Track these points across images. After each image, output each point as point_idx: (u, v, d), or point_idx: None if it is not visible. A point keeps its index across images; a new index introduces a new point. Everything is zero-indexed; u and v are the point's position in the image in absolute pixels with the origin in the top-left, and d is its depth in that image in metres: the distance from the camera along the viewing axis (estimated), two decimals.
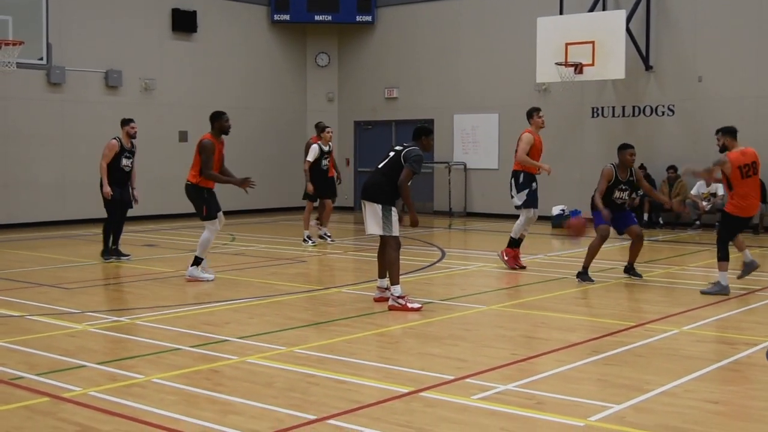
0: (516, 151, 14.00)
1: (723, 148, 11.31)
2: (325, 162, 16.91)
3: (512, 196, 13.90)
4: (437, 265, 14.08)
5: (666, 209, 19.90)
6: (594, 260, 12.46)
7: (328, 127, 17.12)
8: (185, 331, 8.92)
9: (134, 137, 14.63)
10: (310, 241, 16.70)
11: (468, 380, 7.04)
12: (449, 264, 14.23)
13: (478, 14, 23.61)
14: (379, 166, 10.74)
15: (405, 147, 10.58)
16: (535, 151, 13.80)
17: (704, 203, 19.15)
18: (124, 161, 14.39)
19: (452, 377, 7.10)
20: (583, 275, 12.25)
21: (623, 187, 12.40)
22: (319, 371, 7.30)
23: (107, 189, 14.18)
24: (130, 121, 14.71)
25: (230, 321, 9.47)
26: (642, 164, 19.58)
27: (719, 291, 10.94)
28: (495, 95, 23.27)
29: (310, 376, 7.18)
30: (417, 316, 9.77)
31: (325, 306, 10.50)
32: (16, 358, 7.84)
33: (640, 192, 16.32)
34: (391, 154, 10.63)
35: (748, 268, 11.63)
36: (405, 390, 6.73)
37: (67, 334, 8.82)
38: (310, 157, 16.74)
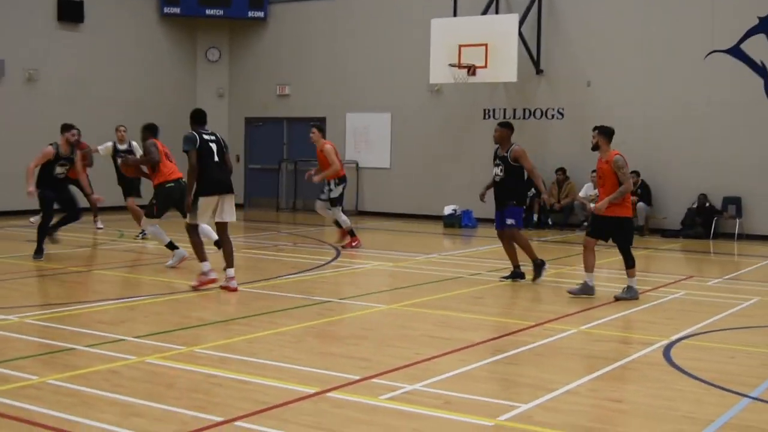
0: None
1: (595, 147, 11.24)
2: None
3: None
4: (332, 263, 14.00)
5: (555, 210, 20.27)
6: (489, 260, 12.56)
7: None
8: (79, 330, 8.63)
9: (76, 145, 14.05)
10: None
11: (374, 380, 6.99)
12: (344, 263, 14.17)
13: (371, 13, 23.62)
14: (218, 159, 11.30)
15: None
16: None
17: (592, 205, 19.51)
18: (58, 169, 13.77)
19: (358, 377, 7.03)
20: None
21: (497, 162, 12.35)
22: (222, 371, 7.14)
23: (30, 189, 13.61)
24: (71, 127, 14.12)
25: (125, 320, 9.21)
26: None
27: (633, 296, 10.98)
28: (388, 95, 23.32)
29: (212, 377, 7.01)
30: (316, 315, 9.67)
31: (222, 304, 10.32)
32: None
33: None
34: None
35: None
36: (311, 390, 6.63)
37: None
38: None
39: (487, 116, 21.97)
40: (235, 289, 11.02)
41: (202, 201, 11.14)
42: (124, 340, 8.21)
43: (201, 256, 11.33)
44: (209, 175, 11.19)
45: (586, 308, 10.36)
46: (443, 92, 22.24)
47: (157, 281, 11.83)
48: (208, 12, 24.88)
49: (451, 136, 22.20)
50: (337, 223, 16.09)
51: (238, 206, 24.77)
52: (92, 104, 23.04)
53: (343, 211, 16.03)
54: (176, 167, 13.74)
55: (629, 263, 11.03)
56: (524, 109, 21.60)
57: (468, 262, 14.38)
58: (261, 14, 25.12)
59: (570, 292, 11.10)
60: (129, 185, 16.60)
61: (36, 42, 22.10)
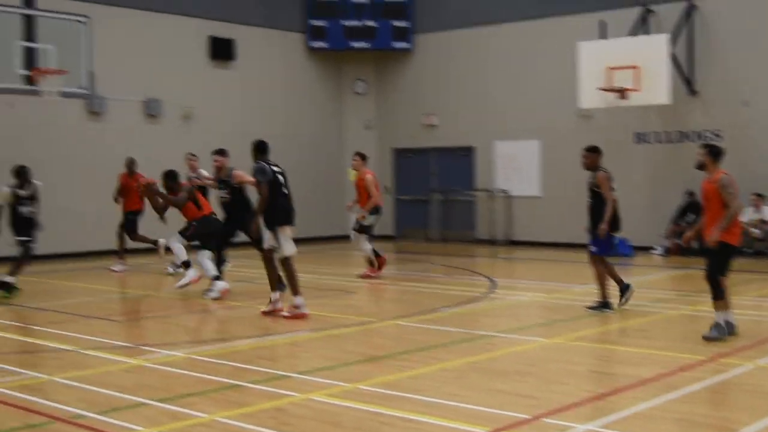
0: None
1: (701, 166, 10.20)
2: None
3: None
4: (489, 295, 13.81)
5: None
6: (650, 290, 12.15)
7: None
8: (243, 365, 8.71)
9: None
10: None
11: (545, 419, 6.78)
12: (501, 294, 13.95)
13: (517, 40, 23.41)
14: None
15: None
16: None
17: (755, 230, 18.75)
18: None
19: (528, 416, 6.84)
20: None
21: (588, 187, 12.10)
22: (387, 409, 7.06)
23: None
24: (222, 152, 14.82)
25: (287, 355, 9.27)
26: (690, 190, 19.36)
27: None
28: (536, 121, 23.02)
29: (378, 415, 6.94)
30: (478, 349, 9.52)
31: (382, 339, 10.27)
32: (75, 395, 7.65)
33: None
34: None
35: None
36: (481, 430, 6.47)
37: (123, 370, 8.65)
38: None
39: (639, 140, 21.42)
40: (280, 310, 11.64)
41: (284, 230, 11.70)
42: (288, 376, 8.23)
43: (294, 289, 11.59)
44: (282, 205, 11.76)
45: (760, 341, 9.86)
46: (593, 117, 21.81)
47: (315, 315, 11.87)
48: (353, 45, 25.15)
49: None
50: (375, 252, 16.20)
51: (389, 237, 25.23)
52: (244, 138, 23.44)
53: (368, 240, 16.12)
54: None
55: (716, 294, 9.89)
56: (679, 132, 20.96)
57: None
58: (406, 45, 25.24)
59: (706, 338, 9.88)
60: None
61: (190, 81, 22.79)
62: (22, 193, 13.79)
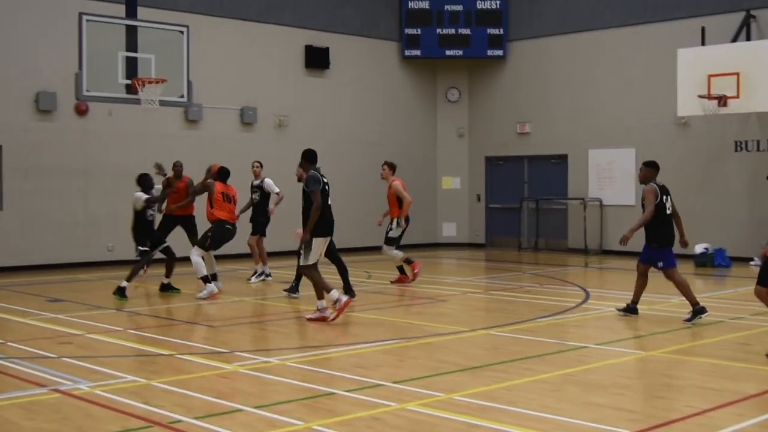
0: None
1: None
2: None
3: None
4: (582, 306, 13.58)
5: None
6: (748, 303, 11.79)
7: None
8: (337, 373, 8.69)
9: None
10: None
11: None
12: (594, 305, 13.71)
13: (612, 46, 23.07)
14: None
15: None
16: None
17: None
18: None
19: (627, 431, 6.66)
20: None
21: None
22: (484, 421, 6.95)
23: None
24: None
25: (381, 364, 9.21)
26: None
27: None
28: (632, 129, 22.63)
29: (474, 426, 6.83)
30: (573, 361, 9.34)
31: (476, 349, 10.15)
32: (172, 399, 7.72)
33: None
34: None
35: None
36: None
37: (219, 375, 8.70)
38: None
39: (738, 149, 20.88)
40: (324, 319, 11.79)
41: (318, 241, 11.82)
42: (382, 385, 8.18)
43: (320, 294, 11.93)
44: (325, 216, 11.86)
45: None
46: (690, 125, 21.35)
47: (407, 324, 11.83)
48: (447, 53, 25.10)
49: (699, 171, 21.23)
50: (400, 268, 16.36)
51: (479, 246, 25.06)
52: (336, 146, 23.70)
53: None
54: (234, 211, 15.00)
55: None
56: None
57: (727, 305, 13.59)
58: (500, 52, 25.07)
59: None
60: (257, 224, 16.88)
61: (286, 89, 23.01)
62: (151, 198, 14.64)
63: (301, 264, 12.27)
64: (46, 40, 19.24)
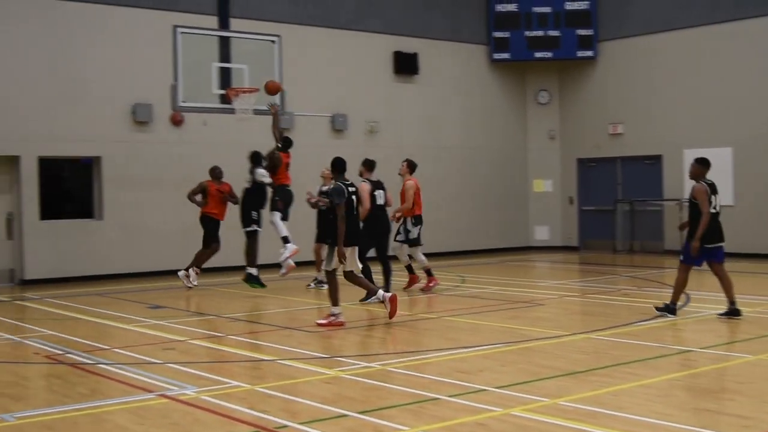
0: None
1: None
2: None
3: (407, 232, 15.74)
4: (683, 309, 13.28)
5: None
6: None
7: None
8: (439, 378, 8.64)
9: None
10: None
11: None
12: (695, 308, 13.41)
13: (706, 44, 22.58)
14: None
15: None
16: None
17: None
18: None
19: None
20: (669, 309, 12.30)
21: None
22: (593, 426, 6.83)
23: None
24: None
25: (483, 369, 9.13)
26: None
27: None
28: (728, 128, 22.12)
29: None
30: (679, 366, 9.14)
31: (577, 353, 10.00)
32: (277, 404, 7.76)
33: None
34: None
35: None
36: None
37: (322, 380, 8.73)
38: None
39: None
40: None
41: (347, 250, 11.96)
42: (485, 390, 8.10)
43: (334, 301, 12.06)
44: (350, 225, 11.98)
45: None
46: None
47: (506, 328, 11.73)
48: (537, 55, 24.89)
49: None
50: (409, 268, 15.85)
51: (573, 248, 24.78)
52: (426, 152, 23.70)
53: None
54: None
55: None
56: None
57: None
58: (590, 53, 24.76)
59: None
60: (323, 231, 16.84)
61: (375, 95, 23.09)
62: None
63: (323, 268, 12.43)
64: (143, 54, 19.61)
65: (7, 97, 18.28)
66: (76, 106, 19.02)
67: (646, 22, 23.86)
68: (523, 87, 26.03)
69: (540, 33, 24.76)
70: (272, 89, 15.69)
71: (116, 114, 19.49)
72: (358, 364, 9.47)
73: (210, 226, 17.00)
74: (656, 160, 23.64)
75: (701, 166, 12.34)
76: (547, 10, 24.72)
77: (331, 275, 12.16)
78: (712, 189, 12.17)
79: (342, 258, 11.91)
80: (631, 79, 24.20)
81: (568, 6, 24.70)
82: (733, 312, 12.11)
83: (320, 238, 16.35)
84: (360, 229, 12.48)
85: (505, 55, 25.09)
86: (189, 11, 19.87)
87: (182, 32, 16.64)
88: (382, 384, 8.51)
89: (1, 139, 18.21)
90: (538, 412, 7.28)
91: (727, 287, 12.19)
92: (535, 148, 25.97)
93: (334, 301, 12.11)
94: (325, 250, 16.66)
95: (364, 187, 14.62)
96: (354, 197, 12.23)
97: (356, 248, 12.20)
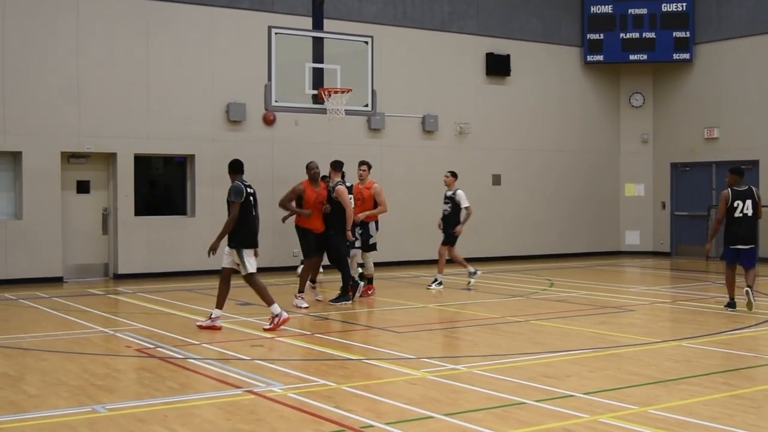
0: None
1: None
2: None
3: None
4: None
5: None
6: None
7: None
8: (525, 383, 8.54)
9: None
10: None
11: None
12: None
13: None
14: None
15: None
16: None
17: None
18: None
19: None
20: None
21: None
22: None
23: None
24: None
25: (570, 374, 9.00)
26: None
27: None
28: None
29: None
30: None
31: (667, 361, 9.79)
32: (362, 404, 7.77)
33: None
34: None
35: None
36: None
37: (407, 381, 8.71)
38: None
39: None
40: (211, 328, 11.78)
41: (247, 252, 11.91)
42: (573, 395, 7.98)
43: (269, 302, 11.90)
44: (249, 227, 11.96)
45: None
46: None
47: (594, 333, 11.55)
48: (631, 57, 24.49)
49: None
50: (361, 276, 15.41)
51: (665, 254, 24.31)
52: (517, 154, 23.57)
53: None
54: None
55: None
56: None
57: None
58: (687, 56, 24.26)
59: None
60: (447, 235, 16.81)
61: (466, 97, 22.99)
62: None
63: (242, 273, 12.03)
64: (238, 54, 19.88)
65: (105, 95, 18.68)
66: (172, 105, 19.36)
67: (744, 24, 23.28)
68: (617, 90, 25.63)
69: (635, 35, 24.36)
70: None
71: (210, 113, 19.79)
72: (445, 366, 9.42)
73: (307, 238, 14.45)
74: (753, 165, 23.03)
75: (733, 174, 13.72)
76: (643, 11, 24.31)
77: (249, 278, 12.00)
78: (741, 194, 13.53)
79: (212, 251, 11.87)
80: (728, 82, 23.64)
81: (665, 7, 24.25)
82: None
83: (446, 242, 16.69)
84: (256, 233, 12.28)
85: (599, 58, 24.75)
86: (284, 12, 20.11)
87: (277, 33, 16.73)
88: (468, 386, 8.45)
89: (98, 137, 18.61)
90: (626, 420, 7.13)
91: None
92: (627, 151, 25.56)
93: (269, 302, 11.93)
94: (452, 252, 16.76)
95: (342, 190, 14.38)
96: (252, 198, 12.25)
97: (254, 251, 12.08)
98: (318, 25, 17.59)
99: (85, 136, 18.51)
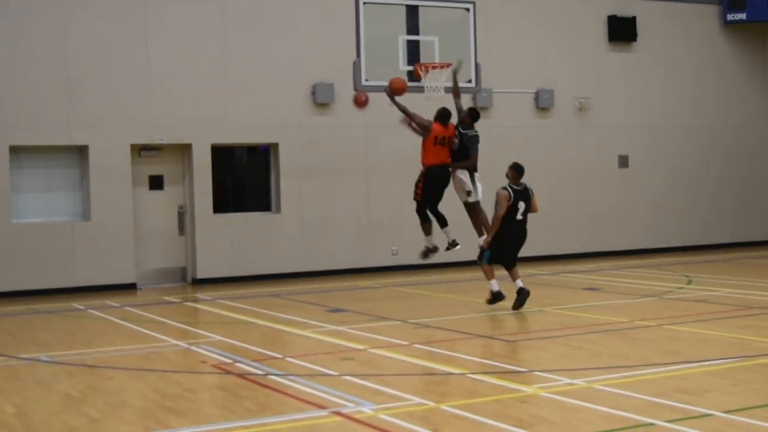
0: None
1: None
2: None
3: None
4: None
5: None
6: None
7: None
8: (655, 399, 8.28)
9: None
10: None
11: None
12: None
13: None
14: None
15: None
16: None
17: None
18: None
19: None
20: None
21: None
22: None
23: None
24: None
25: (709, 389, 8.70)
26: None
27: None
28: None
29: None
30: None
31: None
32: (464, 427, 7.65)
33: None
34: None
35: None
36: None
37: (517, 399, 8.54)
38: None
39: None
40: None
41: None
42: (712, 414, 7.70)
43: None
44: None
45: None
46: None
47: (739, 339, 11.20)
48: None
49: None
50: None
51: None
52: (649, 132, 23.10)
53: None
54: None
55: None
56: None
57: None
58: None
59: None
60: None
61: (586, 68, 22.64)
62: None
63: None
64: (322, 28, 19.94)
65: (177, 80, 18.92)
66: (251, 89, 19.51)
67: None
68: (764, 53, 24.92)
69: None
70: (398, 88, 15.10)
71: (294, 96, 19.88)
72: (560, 381, 9.22)
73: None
74: None
75: None
76: None
77: None
78: None
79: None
80: None
81: None
82: None
83: None
84: None
85: (742, 16, 24.08)
86: None
87: (365, 2, 16.72)
88: (587, 405, 8.23)
89: (171, 127, 18.87)
90: None
91: None
92: None
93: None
94: None
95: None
96: None
97: None
98: None
99: (157, 126, 18.80)
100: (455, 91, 15.39)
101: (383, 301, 15.90)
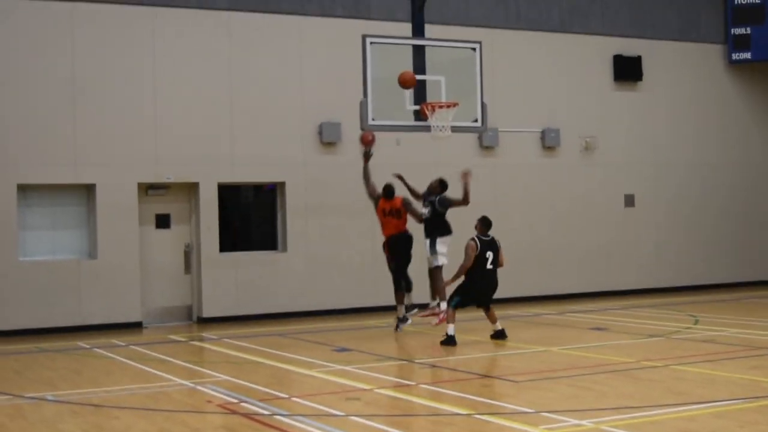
0: None
1: None
2: None
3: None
4: None
5: None
6: None
7: None
8: None
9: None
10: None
11: None
12: None
13: None
14: None
15: None
16: None
17: None
18: None
19: None
20: None
21: None
22: None
23: None
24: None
25: (716, 430, 8.69)
26: None
27: None
28: None
29: None
30: None
31: None
32: None
33: None
34: None
35: None
36: None
37: None
38: None
39: None
40: None
41: None
42: None
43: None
44: None
45: None
46: None
47: (747, 380, 11.18)
48: None
49: None
50: None
51: None
52: (654, 169, 23.18)
53: None
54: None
55: None
56: None
57: None
58: None
59: None
60: None
61: (592, 107, 22.72)
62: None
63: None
64: (329, 68, 20.05)
65: (184, 119, 19.03)
66: (258, 128, 19.62)
67: None
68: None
69: None
70: (408, 81, 16.08)
71: (301, 135, 19.98)
72: (567, 422, 9.21)
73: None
74: None
75: None
76: None
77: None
78: None
79: None
80: None
81: None
82: None
83: None
84: None
85: (747, 55, 24.21)
86: (380, 18, 20.19)
87: (372, 42, 16.80)
88: None
89: (178, 164, 18.95)
90: None
91: None
92: None
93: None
94: None
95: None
96: None
97: None
98: (418, 32, 17.63)
99: (164, 164, 18.89)
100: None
101: (389, 341, 15.89)
